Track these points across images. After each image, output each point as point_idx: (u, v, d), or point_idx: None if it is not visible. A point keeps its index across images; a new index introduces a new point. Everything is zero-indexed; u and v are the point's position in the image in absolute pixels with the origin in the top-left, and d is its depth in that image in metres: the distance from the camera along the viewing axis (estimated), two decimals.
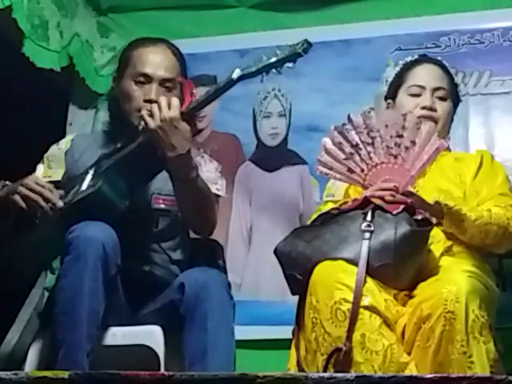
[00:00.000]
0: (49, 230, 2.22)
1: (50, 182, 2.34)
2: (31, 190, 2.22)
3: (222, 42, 3.47)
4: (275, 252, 2.20)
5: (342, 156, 2.31)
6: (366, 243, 2.08)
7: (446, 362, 1.97)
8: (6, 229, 2.28)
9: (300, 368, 2.10)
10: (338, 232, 2.14)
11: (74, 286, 2.08)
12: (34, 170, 2.44)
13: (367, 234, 2.09)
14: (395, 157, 2.26)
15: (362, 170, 2.28)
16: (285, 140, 3.38)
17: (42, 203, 2.21)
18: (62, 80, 3.43)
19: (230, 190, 3.29)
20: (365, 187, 2.27)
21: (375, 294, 2.04)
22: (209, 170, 2.45)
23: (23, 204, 2.22)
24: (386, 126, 2.28)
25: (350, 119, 2.31)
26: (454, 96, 2.56)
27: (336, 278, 2.04)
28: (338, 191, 2.49)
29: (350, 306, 1.99)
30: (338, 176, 2.34)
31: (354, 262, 2.06)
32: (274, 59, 2.20)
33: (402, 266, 2.09)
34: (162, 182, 2.35)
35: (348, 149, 2.30)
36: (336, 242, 2.12)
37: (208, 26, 3.51)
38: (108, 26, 3.53)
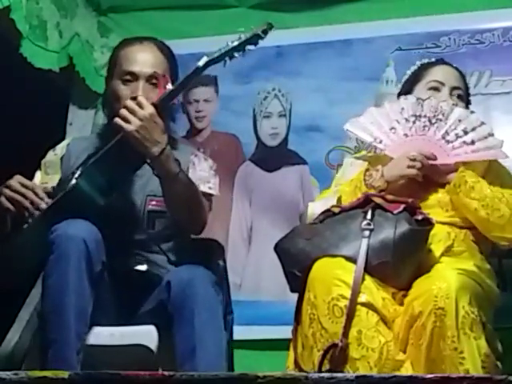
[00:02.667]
0: (39, 230, 2.20)
1: (46, 188, 2.34)
2: (15, 191, 2.22)
3: (222, 42, 3.46)
4: (275, 249, 2.21)
5: (397, 117, 2.43)
6: (365, 241, 2.09)
7: (439, 358, 1.97)
8: (6, 229, 2.28)
9: (297, 364, 2.10)
10: (338, 230, 2.15)
11: (59, 285, 2.08)
12: (34, 170, 2.44)
13: (367, 233, 2.10)
14: (447, 141, 2.37)
15: (406, 135, 2.39)
16: (285, 140, 3.38)
17: (27, 205, 2.21)
18: (62, 80, 3.43)
19: (230, 189, 3.29)
20: (392, 150, 2.38)
21: (373, 291, 2.04)
22: (202, 169, 2.44)
23: (9, 205, 2.22)
24: (460, 120, 2.39)
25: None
26: (466, 100, 2.57)
27: (334, 275, 2.04)
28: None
29: (347, 302, 2.00)
30: (361, 134, 2.47)
31: (352, 260, 2.07)
32: (236, 43, 2.24)
33: (400, 265, 2.09)
34: (156, 184, 2.33)
35: (406, 115, 2.42)
36: (336, 240, 2.13)
37: (208, 26, 3.50)
38: (108, 25, 3.53)
